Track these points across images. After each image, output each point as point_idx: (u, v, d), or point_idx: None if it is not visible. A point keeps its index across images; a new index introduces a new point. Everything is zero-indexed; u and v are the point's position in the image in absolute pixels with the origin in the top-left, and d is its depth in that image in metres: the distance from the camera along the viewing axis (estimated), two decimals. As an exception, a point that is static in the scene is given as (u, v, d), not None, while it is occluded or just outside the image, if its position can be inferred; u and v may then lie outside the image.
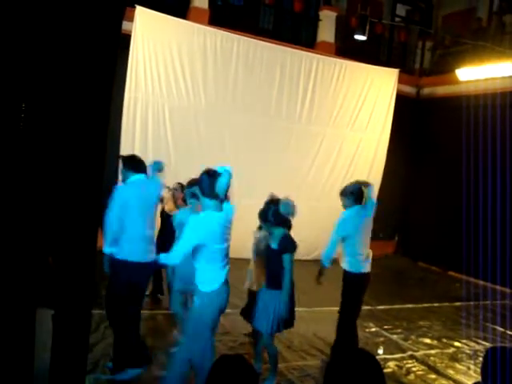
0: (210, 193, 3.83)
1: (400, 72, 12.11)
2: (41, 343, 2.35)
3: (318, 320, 6.39)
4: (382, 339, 6.66)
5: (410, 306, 8.33)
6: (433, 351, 6.38)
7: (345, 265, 5.46)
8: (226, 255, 4.03)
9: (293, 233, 4.82)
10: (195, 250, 3.84)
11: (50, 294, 2.33)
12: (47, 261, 2.26)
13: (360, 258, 5.41)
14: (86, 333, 2.47)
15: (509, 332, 7.43)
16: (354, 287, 5.44)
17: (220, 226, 3.89)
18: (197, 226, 3.84)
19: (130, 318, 4.70)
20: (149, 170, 5.00)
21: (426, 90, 12.97)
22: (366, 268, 5.47)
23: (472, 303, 7.82)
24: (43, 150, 2.12)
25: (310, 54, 11.18)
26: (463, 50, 11.95)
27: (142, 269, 4.63)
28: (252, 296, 5.33)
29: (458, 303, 8.54)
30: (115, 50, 2.24)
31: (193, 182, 4.60)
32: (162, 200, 6.06)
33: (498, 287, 8.51)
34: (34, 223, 2.15)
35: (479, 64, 10.64)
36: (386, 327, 7.12)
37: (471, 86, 10.59)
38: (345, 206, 5.47)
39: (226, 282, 4.01)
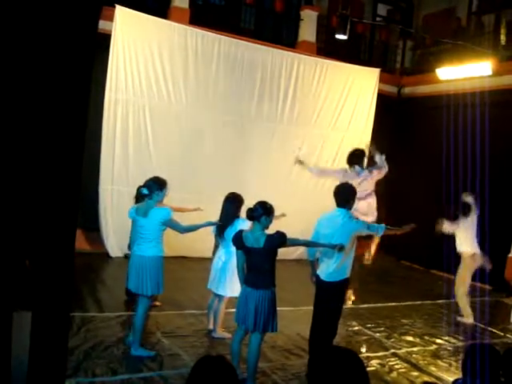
0: None
1: (381, 71, 12.17)
2: (19, 346, 2.32)
3: (301, 319, 6.37)
4: (364, 338, 6.69)
5: (392, 304, 8.38)
6: (415, 349, 6.43)
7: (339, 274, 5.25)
8: None
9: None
10: None
11: (28, 297, 2.30)
12: (24, 263, 2.23)
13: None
14: (65, 336, 2.45)
15: (489, 328, 7.52)
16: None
17: None
18: None
19: None
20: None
21: (407, 90, 13.07)
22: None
23: (453, 301, 7.89)
24: (19, 151, 2.09)
25: (291, 53, 11.18)
26: (443, 49, 12.07)
27: None
28: None
29: (439, 301, 8.61)
30: (92, 50, 2.21)
31: None
32: None
33: (478, 284, 8.59)
34: (10, 226, 2.12)
35: (459, 63, 10.75)
36: (368, 325, 7.15)
37: (451, 85, 10.69)
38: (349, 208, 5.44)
39: None
